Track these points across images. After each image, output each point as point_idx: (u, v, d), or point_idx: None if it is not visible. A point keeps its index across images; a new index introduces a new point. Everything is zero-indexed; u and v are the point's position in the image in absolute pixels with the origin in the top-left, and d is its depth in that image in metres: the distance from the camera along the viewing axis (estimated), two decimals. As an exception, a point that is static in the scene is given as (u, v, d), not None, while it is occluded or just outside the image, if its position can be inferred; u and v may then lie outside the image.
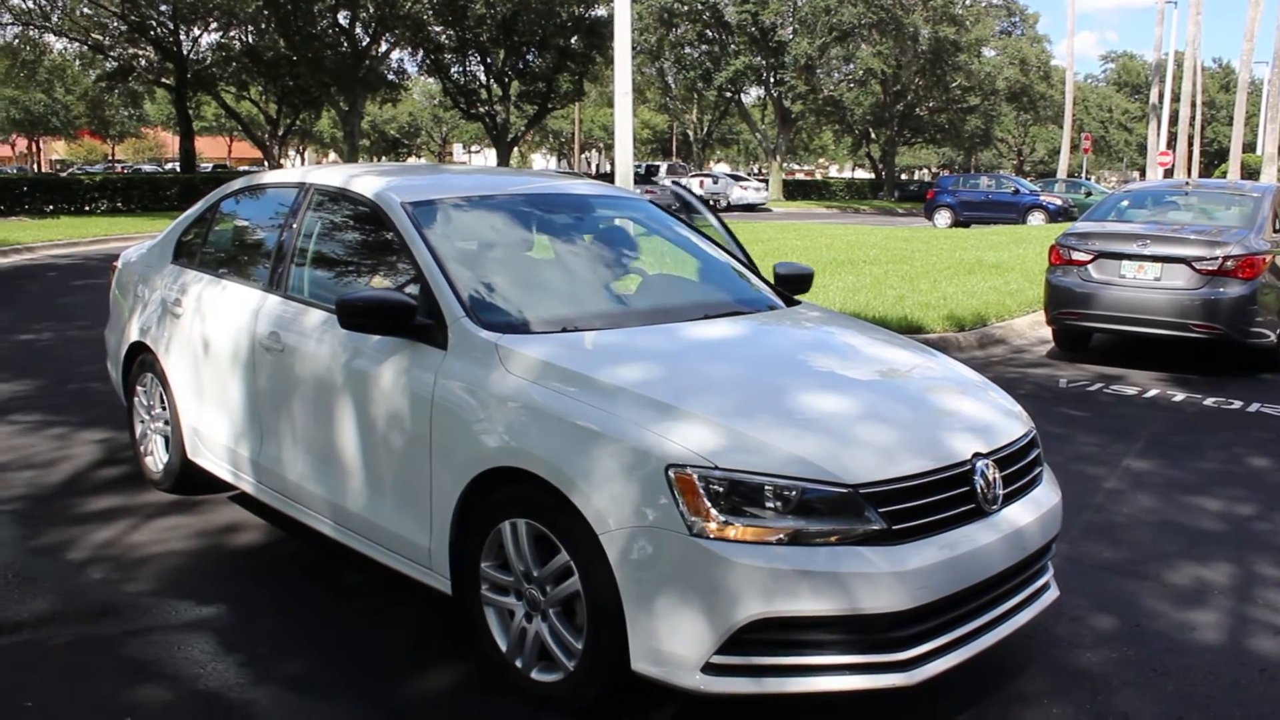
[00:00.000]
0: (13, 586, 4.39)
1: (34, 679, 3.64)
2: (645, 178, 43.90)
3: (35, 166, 77.80)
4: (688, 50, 52.74)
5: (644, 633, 3.03)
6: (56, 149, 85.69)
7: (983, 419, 3.64)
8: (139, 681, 3.63)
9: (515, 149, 55.73)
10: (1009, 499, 3.43)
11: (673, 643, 2.98)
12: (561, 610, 3.32)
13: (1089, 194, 37.03)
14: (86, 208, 29.64)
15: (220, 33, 45.71)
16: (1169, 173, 42.68)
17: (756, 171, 76.23)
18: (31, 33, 42.06)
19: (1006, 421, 3.71)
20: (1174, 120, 47.73)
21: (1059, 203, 34.12)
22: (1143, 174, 63.19)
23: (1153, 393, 8.54)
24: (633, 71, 14.15)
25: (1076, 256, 9.72)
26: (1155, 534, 5.25)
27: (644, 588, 3.01)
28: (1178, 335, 9.26)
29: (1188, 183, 11.87)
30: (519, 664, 3.46)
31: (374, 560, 4.07)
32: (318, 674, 3.72)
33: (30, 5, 40.16)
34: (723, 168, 79.37)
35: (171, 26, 43.43)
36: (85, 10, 42.11)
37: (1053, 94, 58.51)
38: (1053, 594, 3.73)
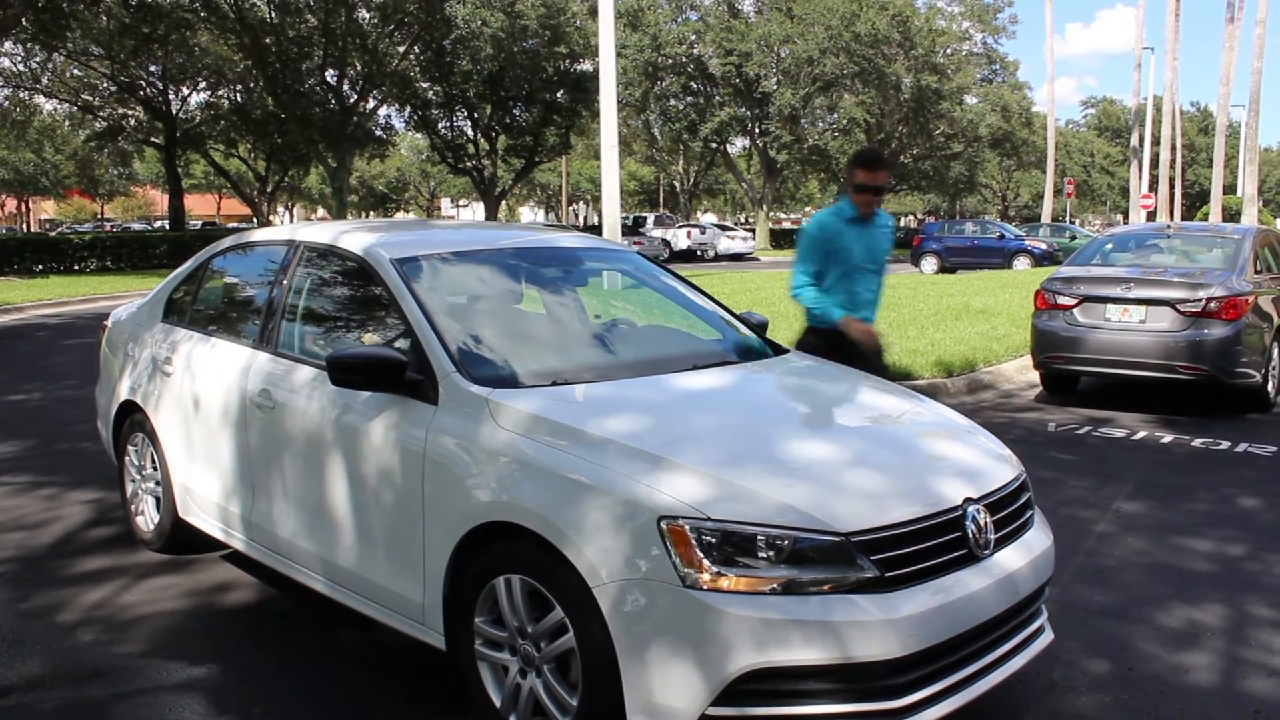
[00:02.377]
0: (2, 650, 4.35)
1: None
2: (633, 229, 44.14)
3: (25, 226, 77.99)
4: (673, 102, 53.23)
5: (639, 686, 3.02)
6: (46, 208, 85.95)
7: (973, 464, 3.66)
8: (130, 744, 3.60)
9: (503, 202, 56.01)
10: (1001, 543, 3.44)
11: (667, 695, 2.97)
12: (556, 666, 3.31)
13: (1073, 238, 37.35)
14: (76, 267, 29.66)
15: (209, 92, 46.19)
16: (1151, 215, 43.06)
17: (743, 221, 76.66)
18: (22, 94, 42.34)
19: (996, 465, 3.72)
20: (1155, 163, 48.27)
21: (1044, 247, 34.36)
22: (1126, 217, 63.73)
23: (1141, 435, 8.57)
24: (619, 124, 14.28)
25: (1062, 301, 9.79)
26: (1147, 576, 5.25)
27: (638, 640, 3.01)
28: (1164, 377, 9.31)
29: (1170, 225, 11.99)
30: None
31: (367, 617, 4.06)
32: (311, 733, 3.69)
33: (21, 68, 40.44)
34: (710, 218, 79.98)
35: (160, 86, 43.82)
36: (75, 72, 42.53)
37: (1035, 139, 59.08)
38: (1047, 638, 3.72)
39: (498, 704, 3.48)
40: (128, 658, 4.28)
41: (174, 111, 44.97)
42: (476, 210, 75.20)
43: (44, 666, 4.19)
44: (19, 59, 40.34)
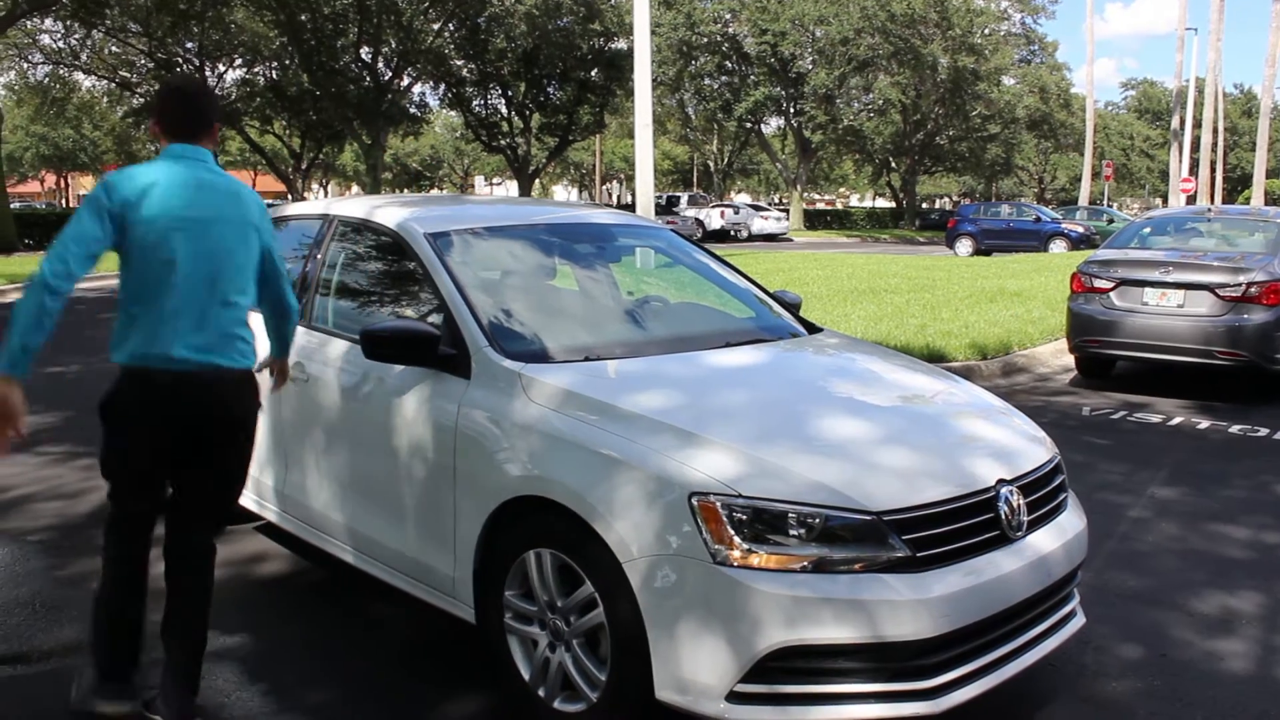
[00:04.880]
0: (40, 615, 4.42)
1: (60, 707, 3.66)
2: (666, 208, 44.07)
3: (64, 202, 78.72)
4: (707, 82, 52.98)
5: (668, 661, 3.02)
6: (85, 184, 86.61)
7: (1006, 445, 3.64)
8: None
9: (536, 181, 56.03)
10: (1034, 525, 3.42)
11: (697, 671, 2.98)
12: (585, 641, 3.32)
13: (1111, 221, 36.92)
14: (113, 242, 29.88)
15: (245, 69, 46.40)
16: (1191, 199, 42.50)
17: (777, 201, 76.41)
18: (61, 71, 42.70)
19: (1030, 447, 3.70)
20: (1196, 146, 47.58)
21: (1081, 230, 34.02)
22: (1165, 201, 63.01)
23: (1177, 420, 8.48)
24: (653, 103, 14.24)
25: (1099, 284, 9.69)
26: (1181, 562, 5.21)
27: (668, 616, 3.01)
28: (1202, 362, 9.21)
29: (1210, 209, 11.84)
30: (542, 694, 3.45)
31: (397, 589, 4.08)
32: (341, 704, 3.73)
33: (61, 45, 40.79)
34: (743, 198, 79.63)
35: (197, 63, 44.07)
36: (113, 49, 42.81)
37: (1073, 121, 58.50)
38: (1078, 621, 3.70)
39: (527, 677, 3.50)
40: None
41: (210, 88, 45.22)
42: (510, 188, 75.29)
43: (81, 632, 4.23)
44: (59, 36, 40.74)
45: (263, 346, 3.77)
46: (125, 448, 3.37)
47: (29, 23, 36.49)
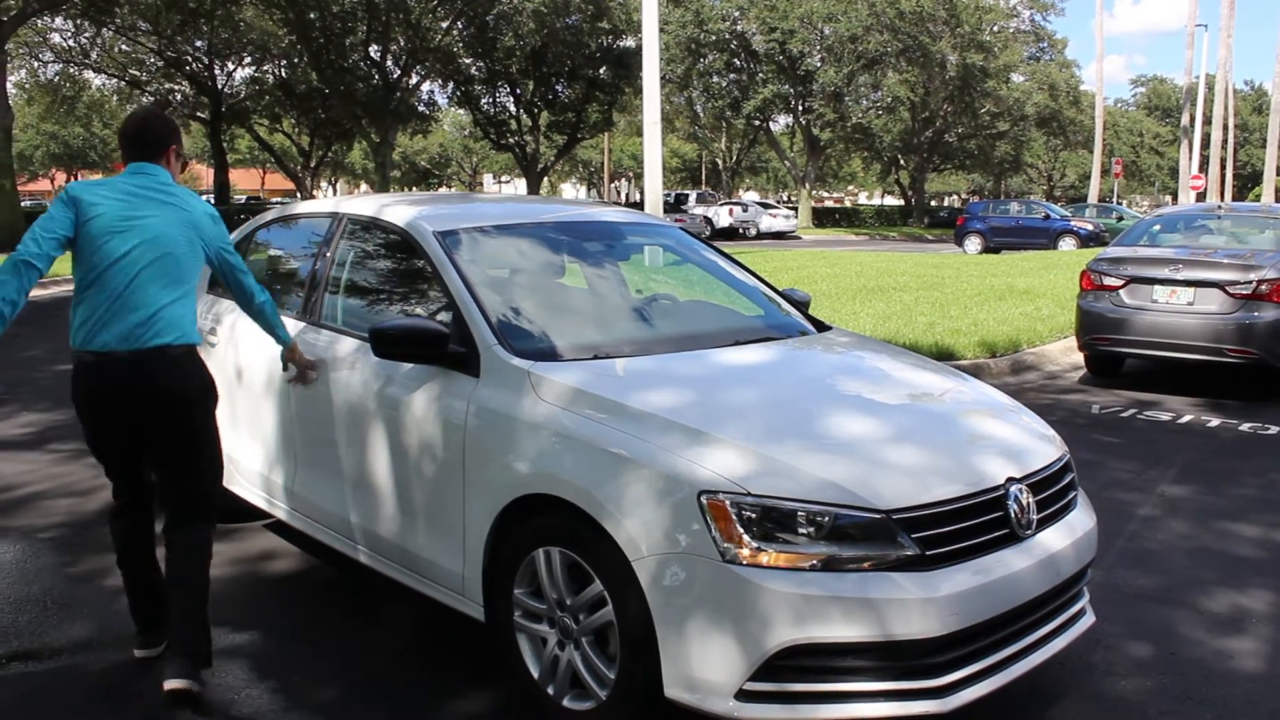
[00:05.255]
0: (51, 612, 4.44)
1: (71, 703, 3.69)
2: (675, 206, 44.06)
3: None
4: (716, 79, 52.90)
5: (677, 659, 3.02)
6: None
7: (1016, 443, 3.63)
8: (175, 706, 3.65)
9: (545, 179, 56.05)
10: (1043, 524, 3.41)
11: (706, 669, 2.98)
12: (594, 639, 3.32)
13: (1120, 219, 36.84)
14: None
15: (254, 67, 46.52)
16: (1201, 196, 42.39)
17: (785, 199, 76.35)
18: (71, 70, 42.82)
19: (1039, 445, 3.69)
20: (1206, 144, 47.46)
21: (1090, 228, 33.94)
22: (1174, 198, 62.81)
23: (1187, 418, 8.46)
24: (661, 101, 14.23)
25: (1108, 282, 9.66)
26: (1191, 561, 5.19)
27: (677, 614, 3.01)
28: (1212, 360, 9.17)
29: (1220, 206, 11.78)
30: (551, 691, 3.46)
31: (406, 587, 4.09)
32: (349, 702, 3.74)
33: (71, 44, 40.92)
34: (752, 196, 79.58)
35: (206, 62, 44.22)
36: (123, 47, 42.94)
37: (1082, 119, 58.28)
38: (1088, 620, 3.69)
39: (536, 675, 3.50)
40: (172, 623, 4.34)
41: (219, 86, 45.39)
42: (519, 186, 75.33)
43: (91, 629, 4.27)
44: (69, 34, 40.85)
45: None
46: (89, 434, 3.85)
47: (39, 21, 36.59)
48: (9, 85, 30.24)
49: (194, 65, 44.30)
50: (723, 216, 44.77)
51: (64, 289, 18.37)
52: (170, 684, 3.64)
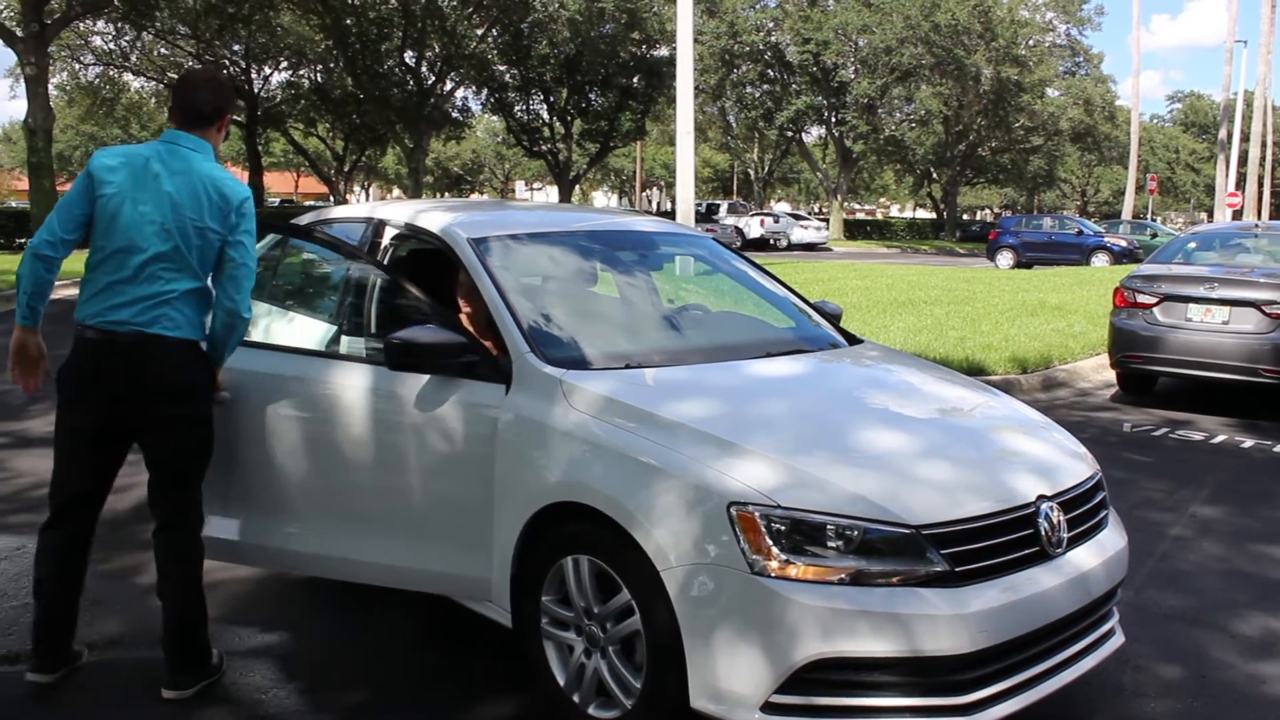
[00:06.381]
0: (83, 609, 4.45)
1: (102, 699, 3.72)
2: (706, 216, 44.04)
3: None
4: (749, 90, 52.90)
5: (704, 670, 3.02)
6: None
7: (1047, 460, 3.61)
8: (203, 705, 3.70)
9: (577, 186, 56.20)
10: (1074, 542, 3.40)
11: (732, 680, 2.98)
12: (621, 648, 3.33)
13: (1155, 235, 36.55)
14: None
15: (290, 72, 46.93)
16: (1238, 214, 41.96)
17: (817, 211, 76.18)
18: (111, 72, 43.31)
19: (1071, 463, 3.67)
20: (1243, 161, 46.96)
21: (1124, 244, 33.68)
22: (1210, 215, 62.21)
23: (1220, 438, 8.38)
24: (694, 111, 14.24)
25: (1142, 299, 9.59)
26: (1223, 583, 5.14)
27: (704, 624, 3.01)
28: (1246, 380, 9.08)
29: (1257, 225, 11.68)
30: (576, 699, 3.46)
31: (432, 594, 4.09)
32: (375, 705, 3.76)
33: (111, 47, 41.41)
34: (783, 206, 79.50)
35: (243, 65, 44.63)
36: (162, 50, 43.38)
37: (1117, 134, 57.90)
38: (1118, 640, 3.67)
39: (562, 682, 3.51)
40: (202, 622, 4.38)
41: (256, 90, 45.80)
42: (551, 194, 75.50)
43: (124, 625, 4.32)
44: (110, 37, 41.33)
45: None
46: (66, 414, 3.70)
47: (81, 24, 37.05)
48: (50, 87, 30.61)
49: (231, 69, 44.71)
50: (754, 227, 44.71)
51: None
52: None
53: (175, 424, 3.69)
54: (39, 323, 3.68)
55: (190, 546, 3.80)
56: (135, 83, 47.46)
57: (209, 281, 3.72)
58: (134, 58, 43.05)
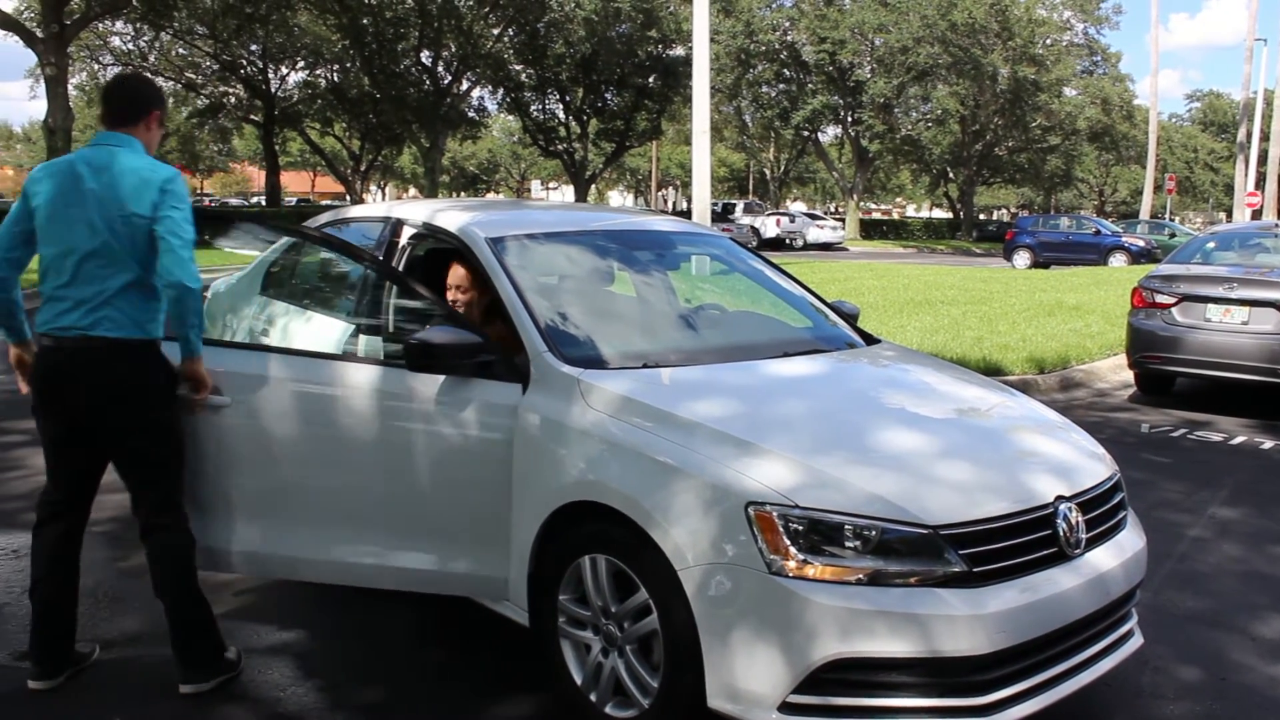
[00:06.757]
0: (103, 605, 4.51)
1: (122, 695, 3.75)
2: (722, 215, 44.01)
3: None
4: (765, 89, 52.79)
5: (721, 669, 3.03)
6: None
7: (1065, 461, 3.60)
8: (221, 701, 3.72)
9: (593, 186, 56.23)
10: (1092, 543, 3.38)
11: (750, 680, 2.98)
12: (638, 647, 3.33)
13: (1173, 235, 36.37)
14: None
15: (307, 71, 47.10)
16: (1257, 214, 41.70)
17: (833, 210, 76.04)
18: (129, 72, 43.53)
19: (1090, 463, 3.66)
20: (1262, 160, 46.62)
21: (1141, 244, 33.51)
22: (1229, 215, 61.84)
23: (1239, 439, 8.33)
24: (710, 110, 14.22)
25: (1160, 299, 9.55)
26: (1242, 584, 5.12)
27: (722, 624, 3.01)
28: (1266, 381, 9.03)
29: (1277, 224, 11.61)
30: (593, 698, 3.46)
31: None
32: (393, 703, 3.77)
33: (130, 47, 41.62)
34: (799, 206, 79.37)
35: (261, 66, 44.82)
36: (180, 51, 43.60)
37: (1135, 134, 57.63)
38: (1136, 641, 3.65)
39: (579, 682, 3.51)
40: (221, 618, 4.38)
41: (273, 90, 46.00)
42: (566, 193, 75.57)
43: (143, 623, 4.34)
44: (129, 38, 41.56)
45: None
46: (37, 421, 3.74)
47: (100, 25, 37.24)
48: (70, 87, 30.77)
49: (248, 69, 44.91)
50: (770, 227, 44.66)
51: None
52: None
53: (130, 428, 3.68)
54: (26, 335, 3.77)
55: (173, 549, 3.82)
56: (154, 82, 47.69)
57: (152, 275, 3.65)
58: (152, 58, 43.29)
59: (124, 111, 3.73)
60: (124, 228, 3.56)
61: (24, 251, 3.66)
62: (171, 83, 46.29)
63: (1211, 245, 10.93)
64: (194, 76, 45.50)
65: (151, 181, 3.60)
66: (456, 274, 4.54)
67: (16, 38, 28.40)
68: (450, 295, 4.54)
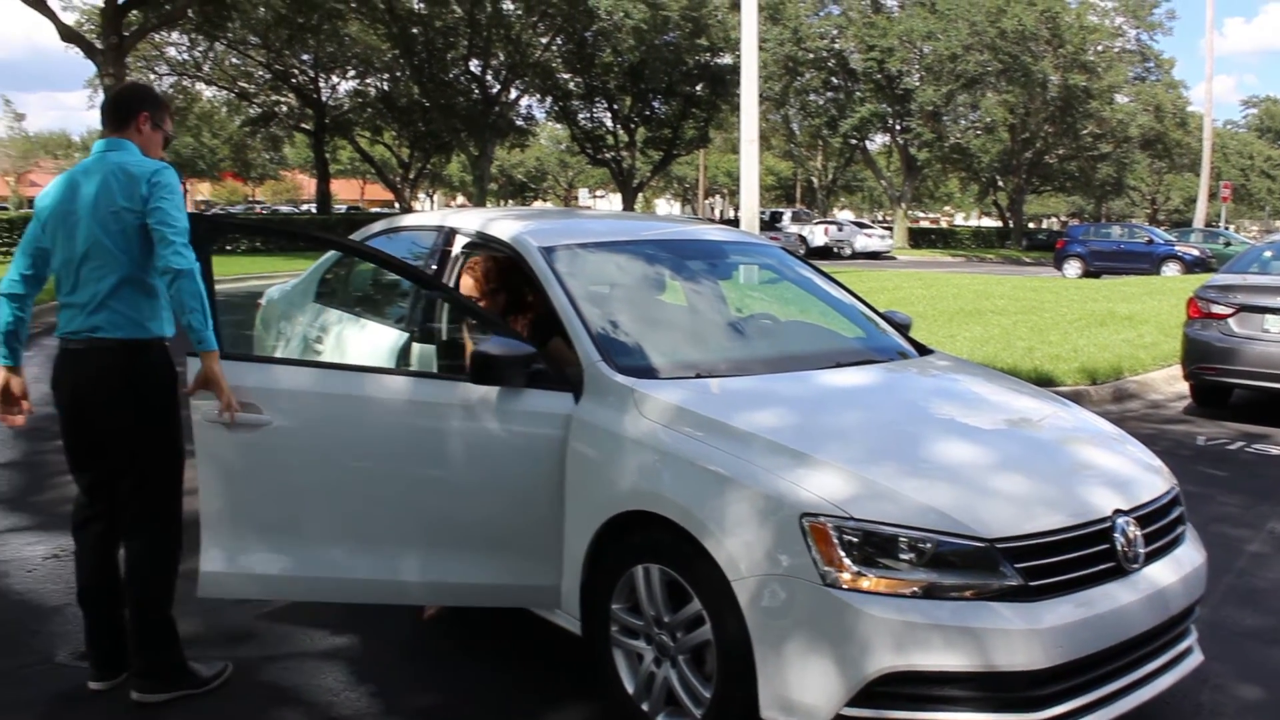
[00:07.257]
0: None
1: (179, 698, 3.79)
2: (770, 224, 43.92)
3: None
4: (813, 97, 52.58)
5: (774, 681, 3.02)
6: (202, 190, 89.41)
7: (1123, 474, 3.56)
8: (276, 704, 3.77)
9: (640, 194, 56.30)
10: (1150, 558, 3.34)
11: (804, 692, 2.97)
12: (691, 657, 3.33)
13: (1228, 244, 35.76)
14: (228, 247, 30.84)
15: (357, 80, 47.57)
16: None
17: (881, 219, 75.58)
18: (185, 82, 44.23)
19: (1147, 477, 3.61)
20: (1321, 169, 45.85)
21: (1196, 253, 32.95)
22: (1286, 225, 60.76)
23: (1299, 453, 8.19)
24: (758, 118, 14.21)
25: (1217, 310, 9.41)
26: (1304, 601, 5.03)
27: (775, 635, 3.01)
28: (1326, 393, 8.87)
29: (1337, 235, 11.39)
30: (645, 708, 3.47)
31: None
32: (445, 709, 3.80)
33: (185, 57, 42.29)
34: (847, 214, 78.93)
35: (312, 75, 45.32)
36: (234, 61, 44.22)
37: (1189, 141, 56.77)
38: (1196, 658, 3.59)
39: (631, 691, 3.52)
40: (275, 623, 4.46)
41: (324, 99, 46.50)
42: (614, 201, 75.76)
43: (200, 626, 4.39)
44: (184, 48, 42.21)
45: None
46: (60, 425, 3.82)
47: (157, 36, 37.87)
48: (126, 96, 31.27)
49: (300, 78, 45.44)
50: (818, 235, 44.47)
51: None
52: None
53: (125, 428, 3.73)
54: (19, 362, 3.81)
55: (145, 557, 3.83)
56: (207, 92, 48.41)
57: (149, 272, 3.69)
58: (206, 67, 43.91)
59: (114, 117, 3.83)
60: (115, 224, 3.62)
61: (41, 269, 3.78)
62: (225, 92, 46.99)
63: (1269, 255, 10.75)
64: (247, 86, 46.10)
65: (138, 175, 3.64)
66: (466, 284, 4.60)
67: (77, 49, 28.97)
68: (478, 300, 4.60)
